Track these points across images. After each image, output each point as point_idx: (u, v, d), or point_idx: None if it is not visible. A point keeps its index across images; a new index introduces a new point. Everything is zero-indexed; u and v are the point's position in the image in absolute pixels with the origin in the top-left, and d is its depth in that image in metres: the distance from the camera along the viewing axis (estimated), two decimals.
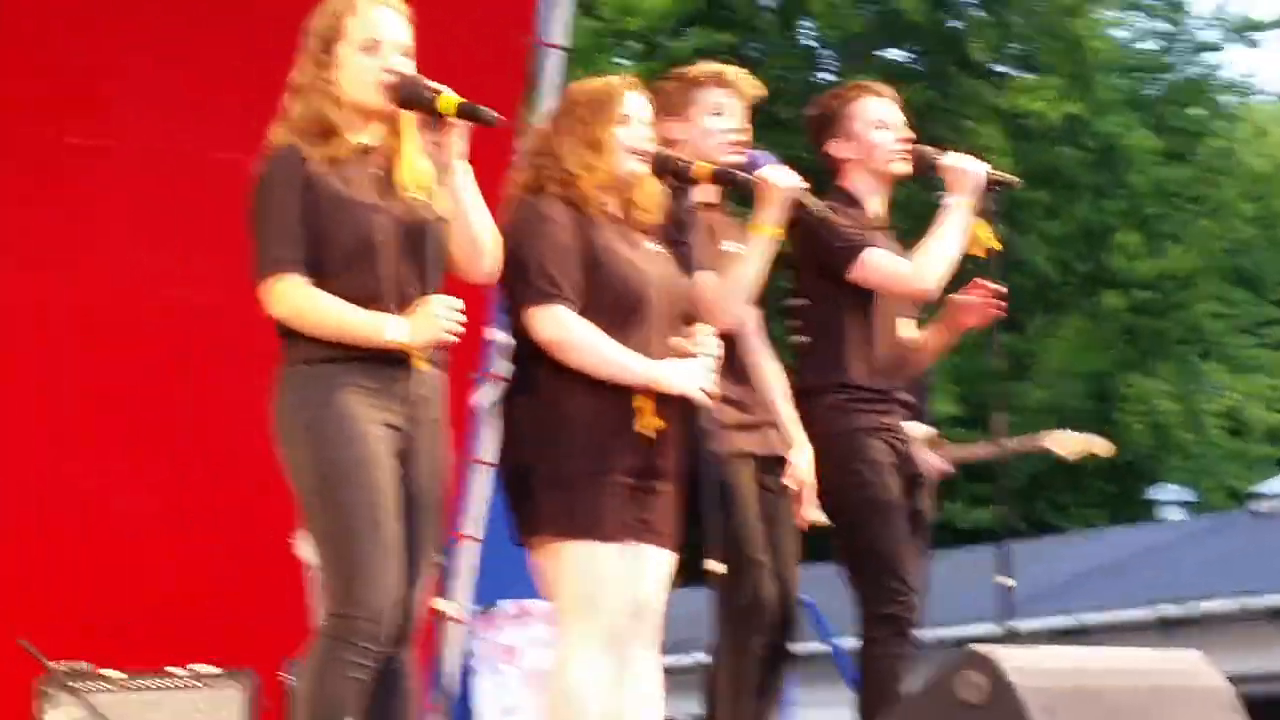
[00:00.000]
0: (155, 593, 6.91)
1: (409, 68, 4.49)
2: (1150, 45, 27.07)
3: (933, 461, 7.19)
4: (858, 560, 5.55)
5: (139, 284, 6.98)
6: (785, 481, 5.30)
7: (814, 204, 5.25)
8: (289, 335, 4.41)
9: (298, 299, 4.35)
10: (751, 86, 5.39)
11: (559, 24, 8.37)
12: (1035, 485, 23.82)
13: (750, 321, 5.39)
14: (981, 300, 5.71)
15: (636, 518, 4.72)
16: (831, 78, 25.38)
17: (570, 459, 4.68)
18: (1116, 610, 14.29)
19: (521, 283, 4.74)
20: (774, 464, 5.32)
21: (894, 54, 26.08)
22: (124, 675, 6.08)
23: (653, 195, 4.98)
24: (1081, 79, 24.64)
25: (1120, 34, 26.83)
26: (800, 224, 5.54)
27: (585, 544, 4.68)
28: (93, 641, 6.44)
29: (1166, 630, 13.87)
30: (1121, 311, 23.99)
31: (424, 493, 4.41)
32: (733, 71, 5.42)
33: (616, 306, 4.77)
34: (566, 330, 4.70)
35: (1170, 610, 13.96)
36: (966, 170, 5.63)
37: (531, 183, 4.88)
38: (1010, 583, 5.61)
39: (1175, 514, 21.07)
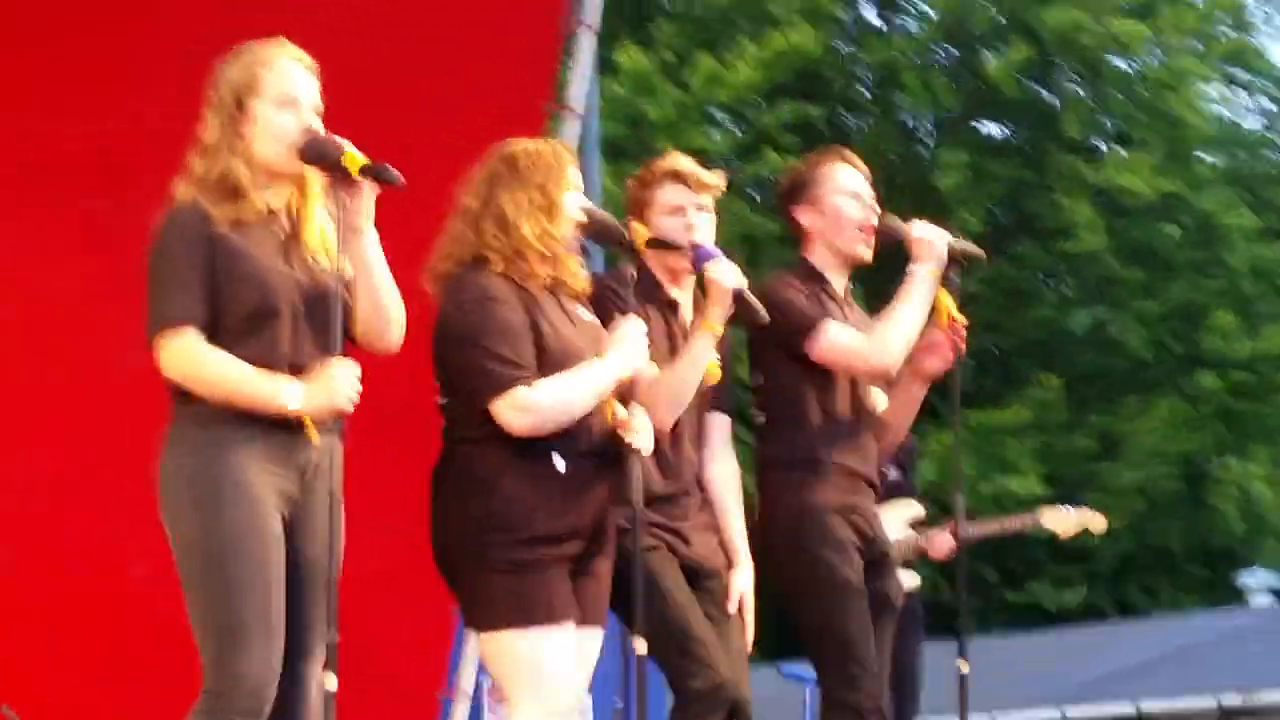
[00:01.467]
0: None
1: (320, 126, 4.35)
2: (1252, 124, 26.73)
3: (939, 540, 7.01)
4: (816, 644, 5.36)
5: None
6: (727, 606, 5.15)
7: (757, 304, 5.06)
8: (180, 393, 4.26)
9: (191, 357, 4.20)
10: (708, 179, 5.28)
11: (592, 4, 8.32)
12: (1126, 568, 23.43)
13: (719, 427, 5.30)
14: (944, 339, 5.48)
15: (576, 599, 4.58)
16: (925, 152, 25.26)
17: (509, 547, 4.51)
18: (1176, 698, 13.94)
19: (474, 373, 4.56)
20: (707, 575, 5.17)
21: (990, 128, 25.89)
22: None
23: (577, 258, 4.82)
24: (1178, 155, 24.32)
25: (1221, 111, 26.50)
26: (762, 299, 5.44)
27: (527, 631, 4.52)
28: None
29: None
30: (1216, 392, 23.57)
31: (313, 565, 4.24)
32: (686, 165, 5.30)
33: None
34: (537, 410, 4.52)
35: (1232, 700, 13.59)
36: (932, 241, 5.45)
37: (471, 255, 4.69)
38: (964, 669, 5.39)
39: (1264, 600, 20.61)
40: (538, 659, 4.51)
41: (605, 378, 4.62)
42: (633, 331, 4.68)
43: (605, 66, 23.99)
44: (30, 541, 6.96)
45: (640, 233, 4.85)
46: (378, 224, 4.39)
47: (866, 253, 5.51)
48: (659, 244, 4.84)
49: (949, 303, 5.45)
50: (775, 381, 5.46)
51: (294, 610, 4.22)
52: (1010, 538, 6.41)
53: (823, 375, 5.39)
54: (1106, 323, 24.05)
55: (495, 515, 4.53)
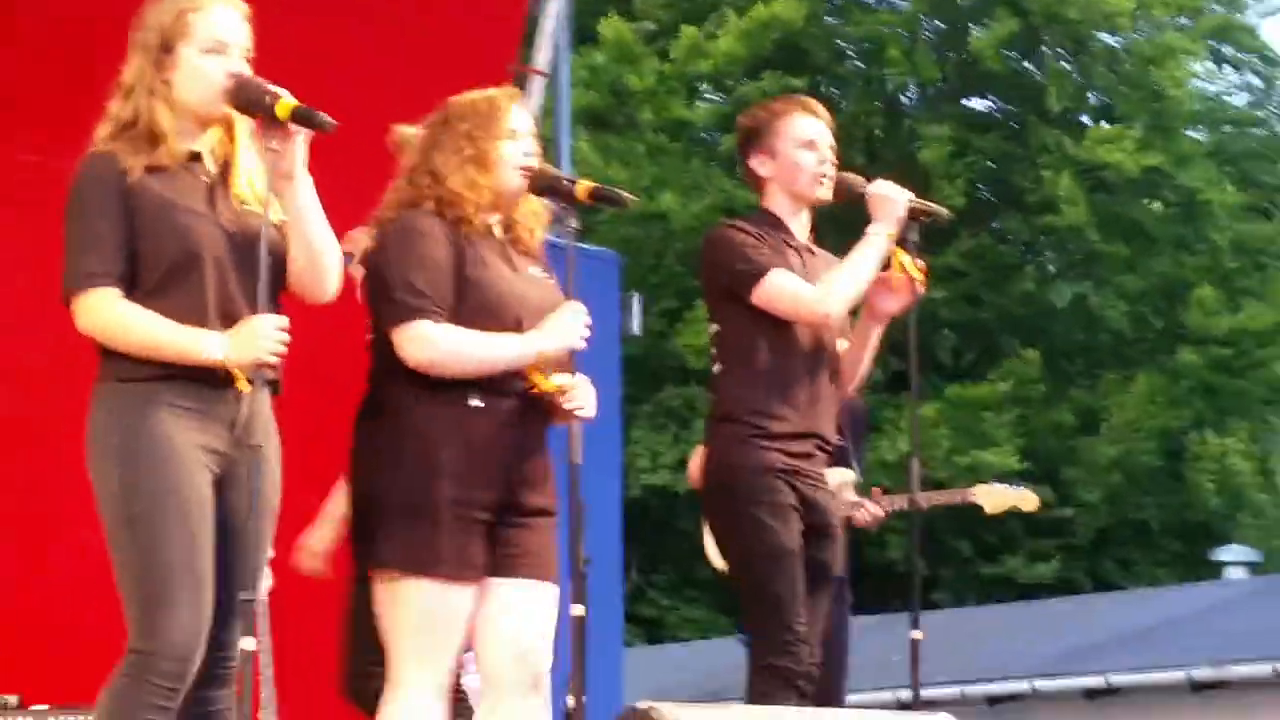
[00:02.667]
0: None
1: (248, 71, 4.26)
2: (1239, 100, 26.65)
3: (865, 509, 6.97)
4: (749, 606, 5.32)
5: None
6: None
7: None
8: (106, 351, 4.18)
9: (108, 314, 4.11)
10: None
11: None
12: (1103, 542, 23.41)
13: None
14: (903, 280, 5.42)
15: (490, 552, 4.49)
16: (911, 124, 25.18)
17: (416, 488, 4.44)
18: (1147, 672, 13.90)
19: (383, 299, 4.52)
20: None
21: (975, 103, 25.81)
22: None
23: (535, 214, 4.75)
24: (1163, 130, 24.25)
25: (1208, 87, 26.43)
26: (709, 244, 5.41)
27: (423, 581, 4.44)
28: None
29: (1199, 694, 13.49)
30: (1197, 368, 23.52)
31: (241, 522, 4.17)
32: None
33: (485, 326, 4.52)
34: (433, 346, 4.46)
35: (1203, 673, 13.55)
36: (889, 198, 5.39)
37: (406, 201, 4.64)
38: (917, 636, 5.34)
39: (1239, 574, 20.59)
40: (416, 609, 4.44)
41: (519, 346, 4.53)
42: (569, 313, 4.60)
43: (588, 36, 23.96)
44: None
45: (583, 186, 4.77)
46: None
47: (826, 193, 5.45)
48: (602, 196, 4.78)
49: (905, 259, 5.39)
50: (728, 329, 5.42)
51: (225, 569, 4.15)
52: (941, 511, 6.38)
53: (777, 325, 5.32)
54: (1087, 297, 24.00)
55: (402, 449, 4.46)
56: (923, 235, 5.49)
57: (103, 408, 4.16)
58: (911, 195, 5.43)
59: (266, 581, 6.85)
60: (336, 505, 5.35)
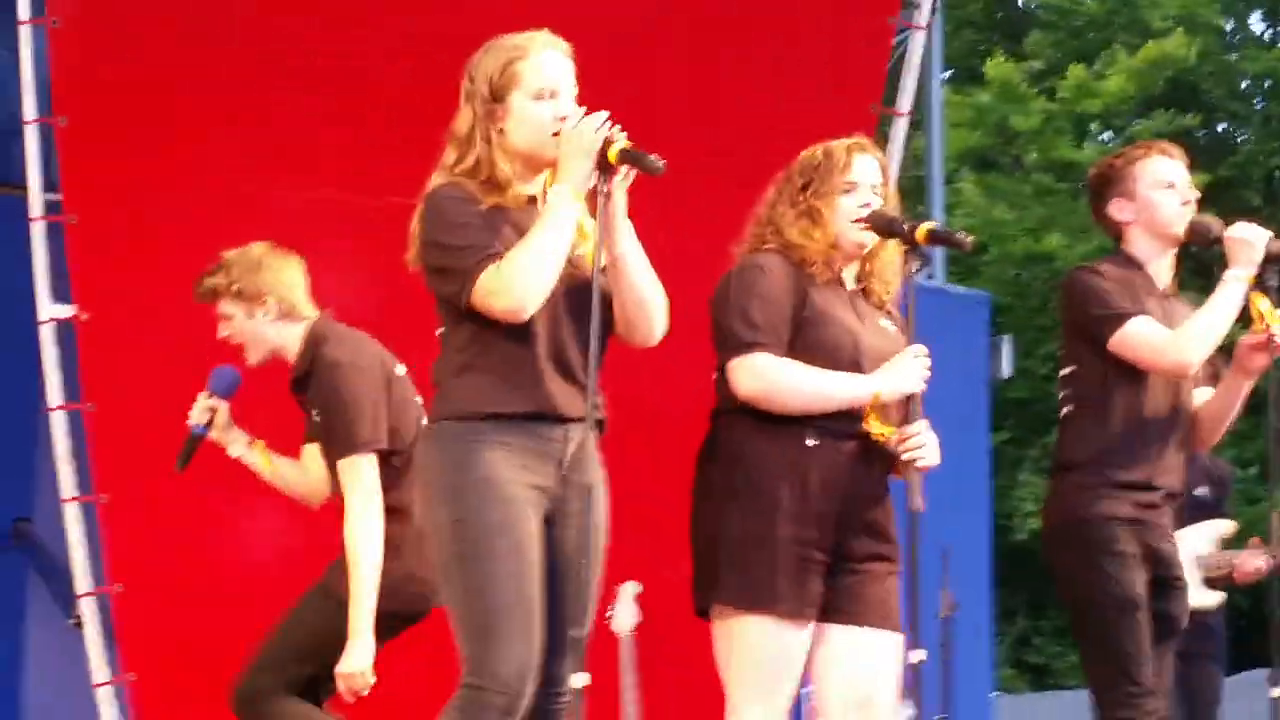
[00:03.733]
0: None
1: (579, 113, 4.29)
2: None
3: (1250, 561, 6.74)
4: (1093, 659, 5.22)
5: None
6: None
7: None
8: (438, 387, 4.27)
9: None
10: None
11: (925, 5, 8.30)
12: None
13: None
14: (1268, 335, 5.24)
15: (827, 595, 4.47)
16: None
17: (753, 527, 4.43)
18: None
19: (721, 333, 4.54)
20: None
21: None
22: None
23: (890, 265, 4.71)
24: None
25: None
26: (1069, 286, 5.31)
27: (762, 619, 4.43)
28: None
29: None
30: None
31: (570, 559, 4.22)
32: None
33: (822, 368, 4.51)
34: (765, 377, 4.46)
35: None
36: (1246, 242, 5.22)
37: (754, 248, 4.68)
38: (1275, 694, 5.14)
39: None
40: (754, 646, 4.43)
41: (854, 385, 4.49)
42: (908, 359, 4.53)
43: (974, 76, 23.76)
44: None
45: (922, 228, 4.71)
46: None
47: (1184, 226, 5.34)
48: (939, 238, 4.71)
49: (1264, 305, 5.22)
50: (1083, 373, 5.31)
51: (555, 606, 4.20)
52: None
53: (1133, 373, 5.22)
54: None
55: (739, 488, 4.46)
56: None
57: (434, 447, 4.24)
58: (1272, 236, 5.25)
59: (631, 619, 6.98)
60: None
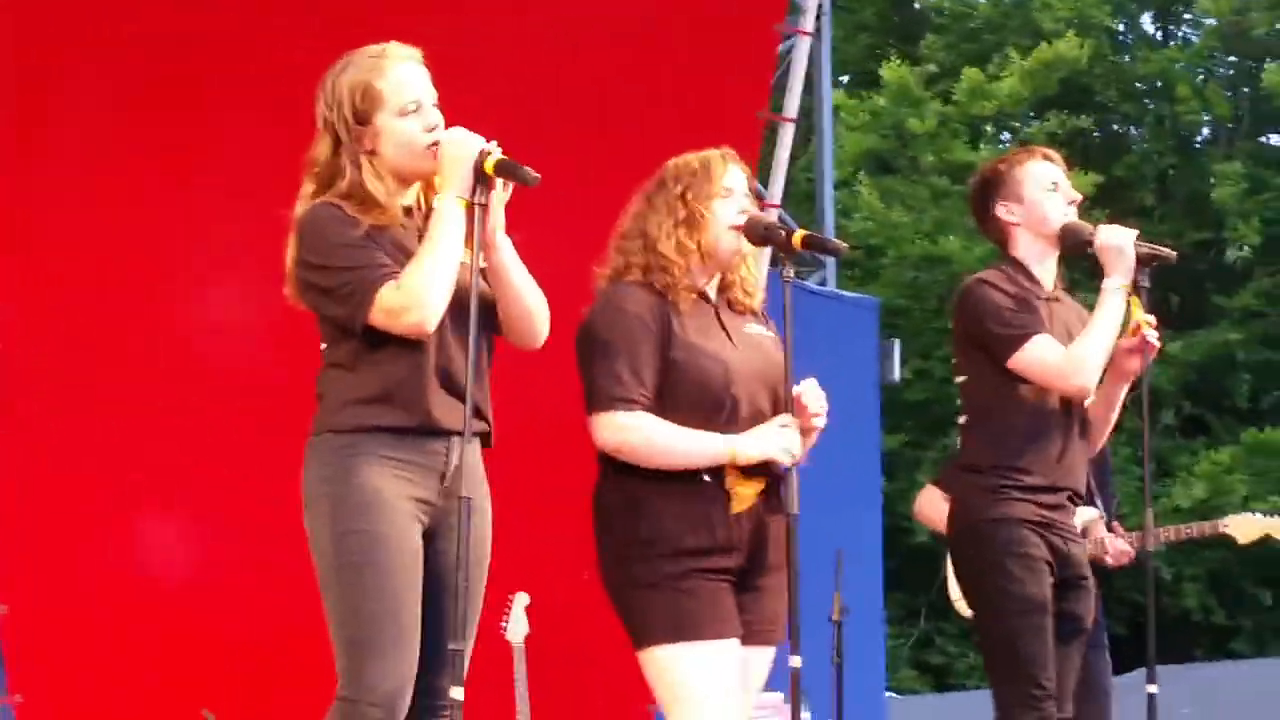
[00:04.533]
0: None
1: (441, 120, 4.28)
2: None
3: (1114, 546, 6.80)
4: (995, 659, 5.22)
5: None
6: None
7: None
8: (321, 401, 4.24)
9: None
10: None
11: (810, 11, 8.31)
12: None
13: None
14: (1141, 339, 5.29)
15: (732, 614, 4.45)
16: (1201, 163, 24.67)
17: (658, 561, 4.41)
18: None
19: (585, 381, 4.49)
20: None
21: (1273, 139, 25.23)
22: None
23: (755, 273, 4.72)
24: None
25: None
26: (964, 299, 5.32)
27: (688, 646, 4.40)
28: None
29: None
30: None
31: (451, 573, 4.15)
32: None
33: (696, 404, 4.47)
34: (626, 438, 4.42)
35: None
36: (1117, 248, 5.26)
37: (617, 270, 4.62)
38: (1151, 689, 5.21)
39: None
40: (691, 676, 4.40)
41: (716, 447, 4.43)
42: (774, 426, 4.46)
43: (870, 81, 23.90)
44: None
45: (798, 234, 4.72)
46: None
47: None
48: (814, 243, 4.71)
49: (1139, 312, 5.27)
50: (979, 383, 5.32)
51: (435, 619, 4.17)
52: (1194, 543, 6.23)
53: (1028, 384, 5.24)
54: None
55: (642, 531, 4.43)
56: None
57: (315, 458, 4.21)
58: (1136, 235, 5.30)
59: (523, 629, 6.99)
60: None
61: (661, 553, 4.40)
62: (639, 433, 4.42)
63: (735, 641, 4.44)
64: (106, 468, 6.78)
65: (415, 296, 4.10)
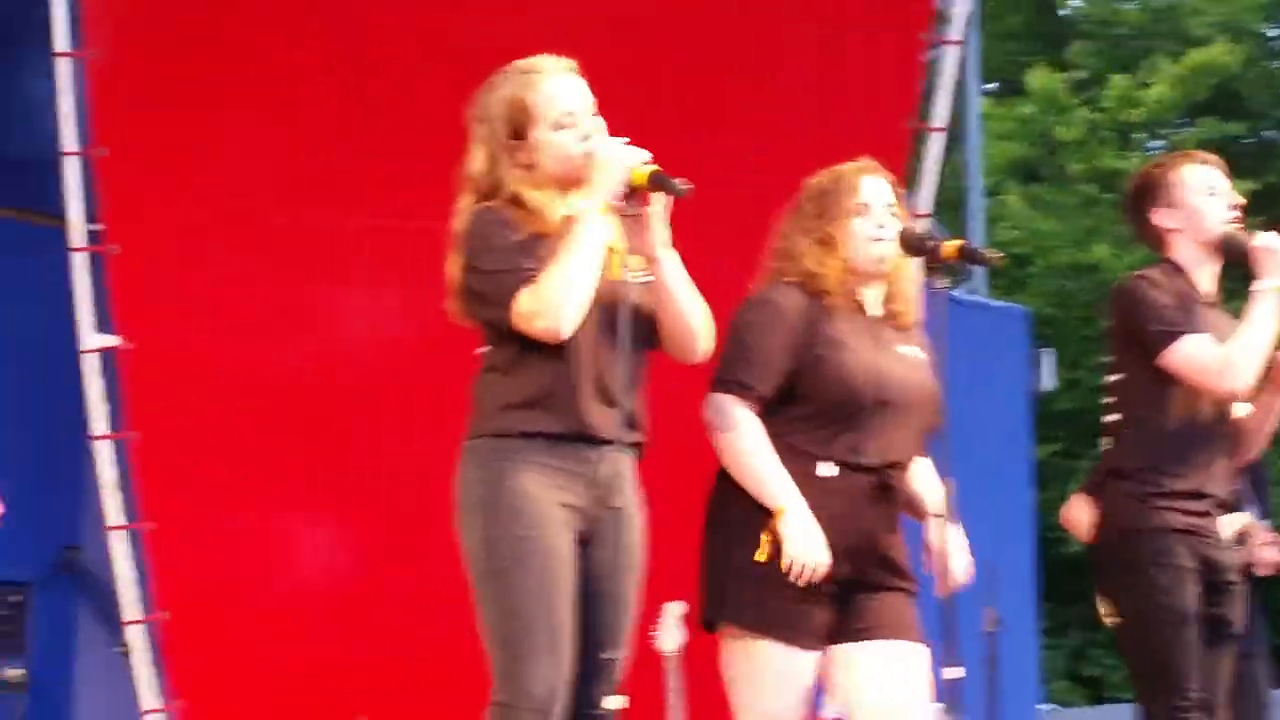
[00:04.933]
0: None
1: (599, 128, 4.33)
2: None
3: (1265, 555, 6.70)
4: (1140, 671, 5.17)
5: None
6: None
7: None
8: (477, 405, 4.29)
9: None
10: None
11: (959, 20, 8.29)
12: None
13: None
14: None
15: (839, 623, 4.51)
16: None
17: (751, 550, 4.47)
18: None
19: (718, 362, 4.56)
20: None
21: None
22: None
23: (911, 283, 4.73)
24: None
25: None
26: (1121, 295, 5.25)
27: (766, 642, 4.48)
28: None
29: None
30: None
31: (605, 580, 4.24)
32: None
33: (829, 405, 4.52)
34: (723, 424, 4.50)
35: None
36: (1274, 251, 5.19)
37: (771, 279, 4.70)
38: None
39: None
40: (759, 668, 4.47)
41: (773, 489, 4.45)
42: (814, 539, 4.45)
43: (1016, 88, 23.71)
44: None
45: (949, 245, 4.72)
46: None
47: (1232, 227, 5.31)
48: (967, 254, 4.71)
49: None
50: (1131, 381, 5.25)
51: (589, 628, 4.22)
52: None
53: (1182, 385, 5.16)
54: None
55: (749, 514, 4.47)
56: None
57: (470, 462, 4.26)
58: None
59: (677, 638, 6.99)
60: None
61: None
62: (734, 430, 4.49)
63: (813, 652, 4.49)
64: (262, 474, 6.88)
65: (547, 302, 4.14)
